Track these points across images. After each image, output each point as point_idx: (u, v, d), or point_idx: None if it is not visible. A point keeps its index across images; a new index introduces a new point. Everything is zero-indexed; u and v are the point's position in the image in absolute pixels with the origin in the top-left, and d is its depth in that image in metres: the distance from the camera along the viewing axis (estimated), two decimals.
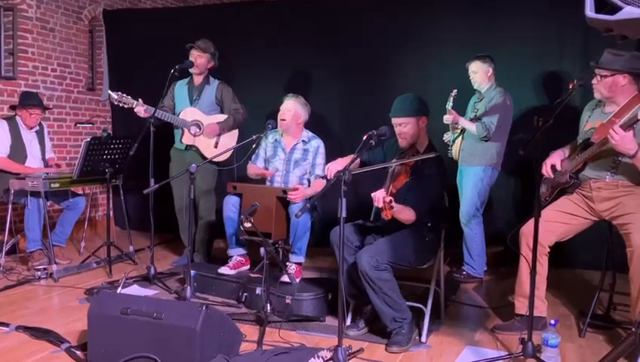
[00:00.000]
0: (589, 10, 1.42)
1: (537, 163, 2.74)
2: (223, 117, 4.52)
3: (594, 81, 2.97)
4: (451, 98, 4.16)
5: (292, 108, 3.91)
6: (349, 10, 5.17)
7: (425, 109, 3.12)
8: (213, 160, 4.20)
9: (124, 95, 4.24)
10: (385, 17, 5.06)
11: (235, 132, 4.61)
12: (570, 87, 2.77)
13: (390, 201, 2.65)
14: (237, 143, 4.49)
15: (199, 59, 4.44)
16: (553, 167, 3.10)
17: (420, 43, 4.97)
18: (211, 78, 4.58)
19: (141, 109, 4.23)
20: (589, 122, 3.09)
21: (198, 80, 4.54)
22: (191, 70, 4.46)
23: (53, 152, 5.02)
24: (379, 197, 2.69)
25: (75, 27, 5.97)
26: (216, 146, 4.46)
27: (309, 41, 5.28)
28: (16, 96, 5.21)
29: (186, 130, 4.44)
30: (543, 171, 3.08)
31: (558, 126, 2.67)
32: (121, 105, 4.27)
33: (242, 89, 4.96)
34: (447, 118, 4.15)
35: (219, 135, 4.47)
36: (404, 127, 3.08)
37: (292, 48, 5.31)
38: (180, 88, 4.58)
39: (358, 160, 3.21)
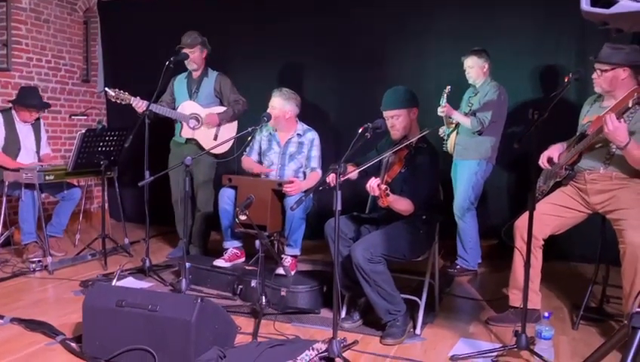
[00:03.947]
0: (585, 4, 1.41)
1: (532, 156, 2.75)
2: (222, 109, 4.51)
3: (594, 76, 2.97)
4: (445, 95, 4.16)
5: (276, 106, 3.87)
6: (347, 2, 5.16)
7: (415, 100, 3.14)
8: (212, 151, 4.19)
9: (122, 91, 4.20)
10: (383, 9, 5.04)
11: (235, 123, 4.59)
12: (566, 80, 2.78)
13: (386, 189, 2.66)
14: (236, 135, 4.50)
15: (192, 54, 4.41)
16: (550, 160, 3.11)
17: (418, 35, 4.96)
18: (210, 70, 4.56)
19: (140, 105, 4.18)
20: (587, 116, 3.10)
21: (196, 73, 4.52)
22: (187, 64, 4.44)
23: (49, 146, 4.99)
24: (373, 186, 2.70)
25: (70, 18, 5.93)
26: (215, 138, 4.46)
27: (306, 32, 5.26)
28: (10, 87, 5.18)
29: (184, 124, 4.43)
30: (539, 162, 3.10)
31: (553, 119, 2.68)
32: (118, 101, 4.23)
33: (239, 80, 4.94)
34: (442, 111, 4.16)
35: (219, 125, 4.45)
36: (396, 119, 3.09)
37: (290, 40, 5.30)
38: (180, 83, 4.56)
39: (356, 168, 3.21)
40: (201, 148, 4.43)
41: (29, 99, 4.57)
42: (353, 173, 3.02)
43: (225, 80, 4.54)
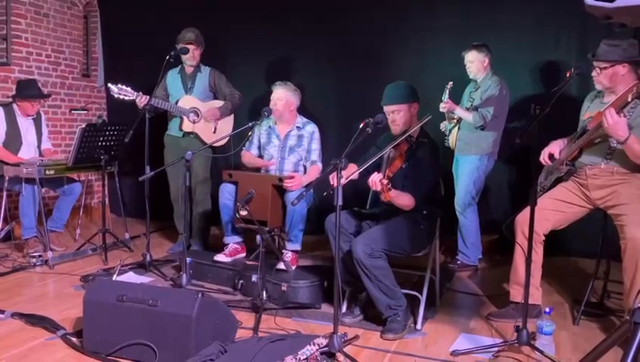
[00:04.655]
0: None
1: (534, 151, 2.74)
2: (219, 102, 4.53)
3: (594, 74, 2.97)
4: (447, 90, 4.15)
5: (283, 97, 3.88)
6: None
7: (416, 95, 3.13)
8: (211, 146, 4.19)
9: (124, 87, 4.17)
10: (383, 6, 5.02)
11: (231, 117, 4.63)
12: (568, 75, 2.77)
13: (388, 183, 2.66)
14: (232, 129, 4.52)
15: (195, 51, 4.44)
16: (551, 156, 3.11)
17: (417, 31, 4.95)
18: (202, 66, 4.58)
19: (143, 100, 4.17)
20: (588, 112, 3.10)
21: (189, 68, 4.53)
22: (187, 59, 4.44)
23: (50, 140, 4.99)
24: (375, 180, 2.70)
25: (70, 12, 5.91)
26: (214, 132, 4.47)
27: (306, 30, 5.24)
28: (10, 82, 5.17)
29: (184, 118, 4.43)
30: (540, 159, 3.09)
31: (555, 114, 2.68)
32: (121, 97, 4.20)
33: (239, 76, 4.94)
34: (443, 107, 4.15)
35: (219, 119, 4.48)
36: (396, 114, 3.09)
37: (288, 35, 5.28)
38: (173, 78, 4.55)
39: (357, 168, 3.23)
40: (200, 141, 4.45)
41: (28, 90, 4.56)
42: (355, 173, 2.99)
43: (219, 75, 4.58)
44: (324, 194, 2.81)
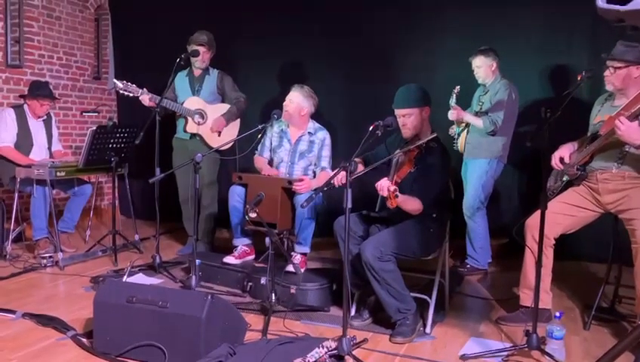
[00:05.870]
0: (601, 1, 1.40)
1: (544, 155, 2.72)
2: (225, 106, 4.56)
3: (606, 73, 2.95)
4: (454, 95, 4.14)
5: (294, 100, 3.87)
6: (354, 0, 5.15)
7: (427, 99, 3.11)
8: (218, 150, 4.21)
9: (130, 84, 4.24)
10: (394, 7, 5.02)
11: (237, 120, 4.63)
12: (579, 78, 2.76)
13: (395, 191, 2.65)
14: (238, 131, 4.54)
15: (206, 54, 4.46)
16: (562, 160, 3.09)
17: (426, 33, 4.94)
18: (210, 68, 4.60)
19: (146, 98, 4.25)
20: (599, 115, 3.08)
21: (198, 71, 4.56)
22: (196, 61, 4.46)
23: (60, 142, 5.03)
24: (383, 186, 2.69)
25: (81, 15, 5.96)
26: (219, 135, 4.48)
27: (317, 31, 5.25)
28: (23, 84, 5.22)
29: (189, 119, 4.45)
30: (552, 163, 3.07)
31: (565, 118, 2.66)
32: (126, 93, 4.26)
33: (246, 77, 4.94)
34: (452, 115, 4.13)
35: (226, 126, 4.49)
36: (407, 117, 3.06)
37: (297, 37, 5.28)
38: (181, 80, 4.58)
39: (361, 163, 3.24)
40: (205, 144, 4.46)
41: (38, 90, 4.60)
42: (362, 173, 2.99)
43: (226, 78, 4.60)
44: (325, 188, 2.81)
